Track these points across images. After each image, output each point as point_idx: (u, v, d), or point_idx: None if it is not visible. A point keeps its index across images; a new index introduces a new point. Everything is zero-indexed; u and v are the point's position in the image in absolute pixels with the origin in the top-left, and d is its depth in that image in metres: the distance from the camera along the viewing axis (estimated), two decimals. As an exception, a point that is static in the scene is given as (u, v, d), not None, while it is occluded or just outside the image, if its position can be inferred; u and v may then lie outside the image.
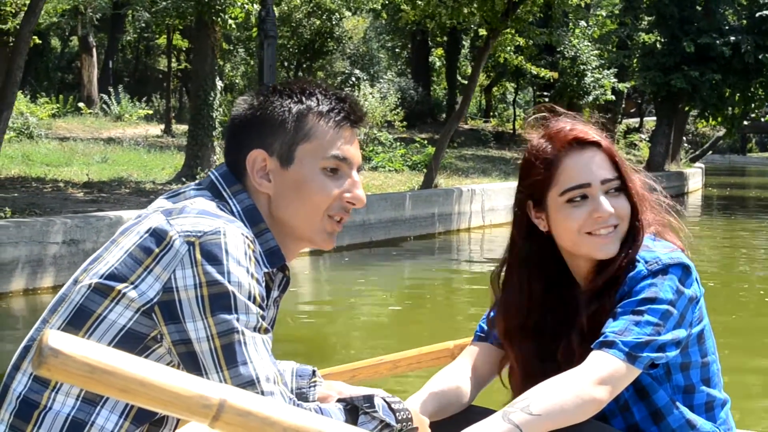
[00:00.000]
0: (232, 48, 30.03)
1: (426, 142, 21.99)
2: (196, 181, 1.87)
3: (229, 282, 1.63)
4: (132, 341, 1.66)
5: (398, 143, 20.98)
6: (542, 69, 18.58)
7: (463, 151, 24.79)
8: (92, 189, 12.99)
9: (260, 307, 1.68)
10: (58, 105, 26.63)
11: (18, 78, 9.55)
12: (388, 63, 30.40)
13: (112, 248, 1.74)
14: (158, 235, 1.67)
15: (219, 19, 14.15)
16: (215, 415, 1.27)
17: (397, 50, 35.77)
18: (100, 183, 13.74)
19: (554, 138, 2.07)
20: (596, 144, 2.06)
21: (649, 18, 28.78)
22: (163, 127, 25.01)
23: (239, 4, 14.34)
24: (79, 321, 1.69)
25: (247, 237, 1.69)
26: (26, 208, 10.31)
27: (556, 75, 20.70)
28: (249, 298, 1.65)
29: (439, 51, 38.88)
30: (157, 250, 1.66)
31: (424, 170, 18.52)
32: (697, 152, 35.71)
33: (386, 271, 11.65)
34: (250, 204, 1.81)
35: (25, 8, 24.82)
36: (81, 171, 15.19)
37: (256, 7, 14.88)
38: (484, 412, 1.94)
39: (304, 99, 1.84)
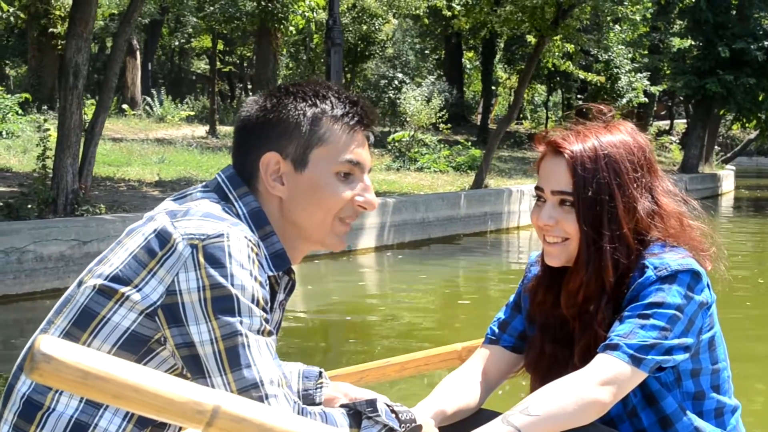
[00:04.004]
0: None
1: (470, 144, 22.56)
2: (203, 183, 1.86)
3: (232, 285, 1.63)
4: (136, 344, 1.67)
5: (441, 145, 21.59)
6: (589, 73, 19.13)
7: (500, 153, 25.32)
8: (164, 188, 13.65)
9: (264, 310, 1.67)
10: (104, 106, 27.34)
11: (113, 84, 10.23)
12: (417, 65, 30.95)
13: (117, 249, 1.74)
14: (162, 238, 1.67)
15: (281, 26, 14.77)
16: (209, 421, 1.26)
17: (426, 52, 36.35)
18: (170, 182, 14.40)
19: (545, 139, 2.10)
20: (563, 154, 2.03)
21: (681, 22, 29.24)
22: (207, 128, 25.65)
23: (300, 12, 14.96)
24: (83, 323, 1.69)
25: (250, 240, 1.69)
26: (113, 205, 10.98)
27: (602, 79, 21.22)
28: (252, 301, 1.65)
29: (470, 54, 39.48)
30: (160, 253, 1.66)
31: (468, 171, 19.11)
32: (729, 155, 36.08)
33: (446, 267, 12.21)
34: (256, 207, 1.80)
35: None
36: (144, 170, 15.84)
37: (315, 14, 15.55)
38: (494, 416, 1.92)
39: (318, 102, 1.83)
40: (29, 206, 9.58)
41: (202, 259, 1.62)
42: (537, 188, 2.07)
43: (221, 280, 1.62)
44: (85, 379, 1.20)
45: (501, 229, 15.49)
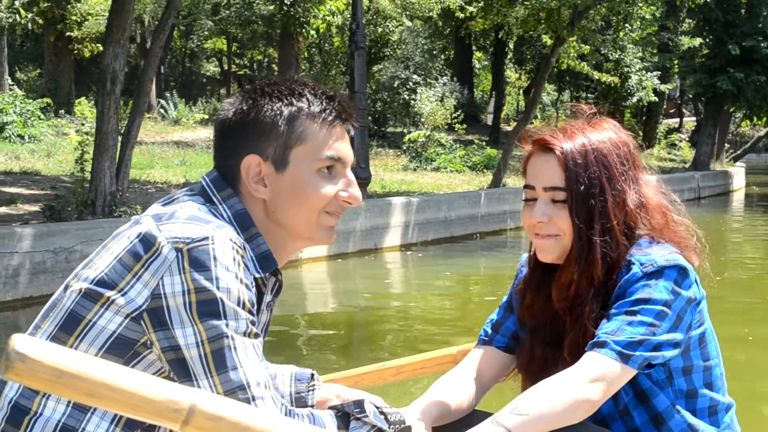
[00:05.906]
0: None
1: (485, 143, 22.83)
2: (189, 187, 1.85)
3: (218, 288, 1.63)
4: (122, 347, 1.67)
5: (457, 145, 21.88)
6: (602, 74, 19.40)
7: (513, 152, 25.55)
8: (192, 189, 13.92)
9: (250, 312, 1.67)
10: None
11: (149, 89, 10.53)
12: (426, 65, 31.25)
13: (103, 253, 1.73)
14: (147, 241, 1.67)
15: (303, 30, 15.08)
16: (185, 420, 1.25)
17: (435, 53, 36.64)
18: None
19: (531, 138, 2.11)
20: (554, 151, 2.04)
21: (690, 21, 29.51)
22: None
23: (321, 16, 15.27)
24: (70, 327, 1.69)
25: (236, 242, 1.69)
26: (146, 206, 11.26)
27: (616, 80, 21.49)
28: (238, 304, 1.65)
29: (479, 54, 39.76)
30: (145, 257, 1.66)
31: (484, 170, 19.40)
32: (738, 152, 36.29)
33: (468, 264, 12.48)
34: (241, 209, 1.80)
35: (90, 17, 25.89)
36: (168, 172, 16.11)
37: (335, 18, 15.86)
38: (487, 417, 1.89)
39: (294, 100, 1.82)
40: (69, 208, 9.88)
41: (186, 263, 1.63)
42: (527, 187, 2.08)
43: (206, 283, 1.62)
44: (59, 377, 1.19)
45: (520, 227, 15.77)
